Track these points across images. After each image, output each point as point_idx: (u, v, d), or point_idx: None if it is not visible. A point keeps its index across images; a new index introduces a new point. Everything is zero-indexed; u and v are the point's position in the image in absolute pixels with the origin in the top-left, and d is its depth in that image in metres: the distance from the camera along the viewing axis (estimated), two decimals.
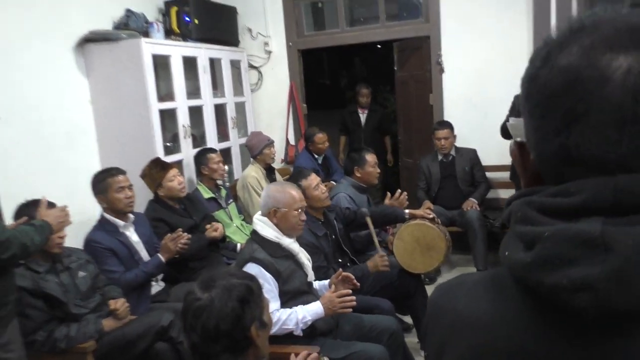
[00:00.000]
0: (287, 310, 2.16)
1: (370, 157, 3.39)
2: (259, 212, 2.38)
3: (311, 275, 2.37)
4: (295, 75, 5.11)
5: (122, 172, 2.86)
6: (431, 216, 2.93)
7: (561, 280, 0.49)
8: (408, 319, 3.19)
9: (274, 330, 2.10)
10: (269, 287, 2.15)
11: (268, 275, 2.15)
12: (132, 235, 2.86)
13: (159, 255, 2.77)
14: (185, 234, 2.85)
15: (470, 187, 4.34)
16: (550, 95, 0.54)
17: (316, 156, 4.59)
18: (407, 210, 3.03)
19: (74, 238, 3.14)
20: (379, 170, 3.48)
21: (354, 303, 2.19)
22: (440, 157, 4.39)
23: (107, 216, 2.80)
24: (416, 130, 5.19)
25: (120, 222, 2.80)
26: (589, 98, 0.51)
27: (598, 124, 0.51)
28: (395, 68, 5.48)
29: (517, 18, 4.37)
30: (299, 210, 2.32)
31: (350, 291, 2.19)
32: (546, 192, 0.55)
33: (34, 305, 2.22)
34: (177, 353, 2.37)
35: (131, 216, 2.88)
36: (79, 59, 3.58)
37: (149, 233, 2.96)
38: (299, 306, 2.19)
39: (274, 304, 2.14)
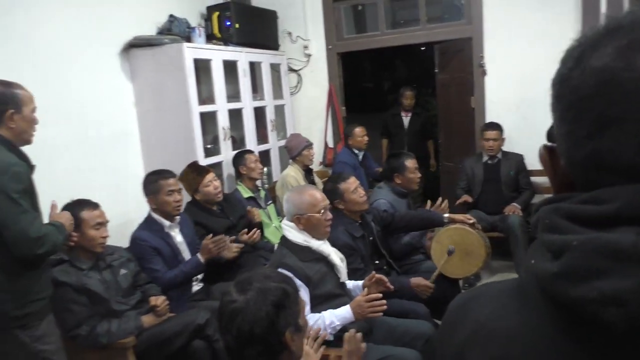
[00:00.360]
0: (315, 316, 2.15)
1: (410, 163, 3.32)
2: (286, 218, 2.38)
3: (344, 277, 2.35)
4: (335, 78, 5.11)
5: (173, 176, 2.93)
6: (471, 221, 2.86)
7: (590, 293, 0.47)
8: None
9: None
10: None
11: (298, 281, 2.14)
12: (177, 236, 2.92)
13: (198, 255, 2.82)
14: (225, 239, 2.89)
15: (514, 193, 4.22)
16: (582, 97, 0.52)
17: (356, 152, 4.59)
18: (446, 215, 2.98)
19: (116, 236, 3.25)
20: (419, 176, 3.40)
21: (384, 307, 2.14)
22: (485, 159, 4.29)
23: (155, 216, 2.86)
24: (457, 133, 5.10)
25: (166, 223, 2.86)
26: (625, 101, 0.49)
27: (634, 128, 0.48)
28: (437, 70, 5.40)
29: (564, 19, 4.24)
30: (322, 211, 2.29)
31: (381, 295, 2.15)
32: (576, 199, 0.52)
33: (77, 301, 2.30)
34: (213, 351, 2.40)
35: (177, 217, 2.94)
36: (124, 63, 3.70)
37: (192, 234, 3.02)
38: (328, 311, 2.16)
39: None
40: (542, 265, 0.52)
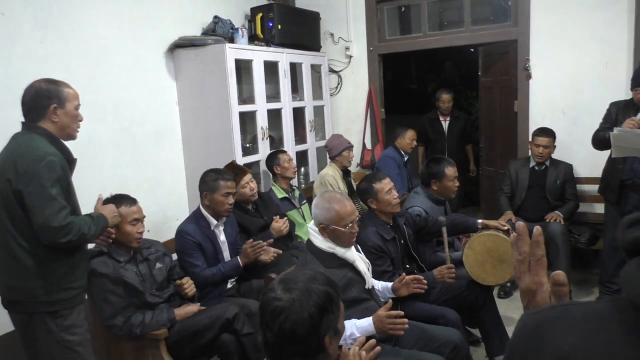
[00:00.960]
0: None
1: (450, 171, 3.23)
2: (312, 222, 2.35)
3: (369, 283, 2.32)
4: (375, 80, 5.10)
5: (232, 179, 2.98)
6: (506, 228, 2.80)
7: None
8: (477, 332, 3.08)
9: None
10: None
11: None
12: (221, 235, 2.98)
13: (238, 258, 2.88)
14: (272, 249, 2.94)
15: (558, 202, 4.08)
16: None
17: (403, 153, 4.58)
18: (480, 220, 2.92)
19: (155, 231, 3.36)
20: (457, 184, 3.31)
21: (406, 327, 2.06)
22: (532, 164, 4.17)
23: (204, 212, 2.93)
24: (499, 137, 4.99)
25: (213, 221, 2.93)
26: None
27: None
28: (480, 73, 5.30)
29: (615, 22, 4.08)
30: (349, 225, 2.21)
31: (402, 313, 2.08)
32: None
33: (114, 292, 2.39)
34: (240, 345, 2.45)
35: (224, 217, 3.00)
36: (169, 62, 3.82)
37: (235, 234, 3.07)
38: (352, 320, 2.12)
39: None
40: (636, 283, 0.49)
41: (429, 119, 5.48)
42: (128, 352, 2.50)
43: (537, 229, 0.90)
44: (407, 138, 4.63)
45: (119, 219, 2.35)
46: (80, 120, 2.21)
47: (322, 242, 2.23)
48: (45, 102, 2.07)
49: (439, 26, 5.11)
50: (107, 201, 2.51)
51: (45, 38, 2.95)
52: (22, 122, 2.13)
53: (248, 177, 3.30)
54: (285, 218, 3.37)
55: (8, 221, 2.02)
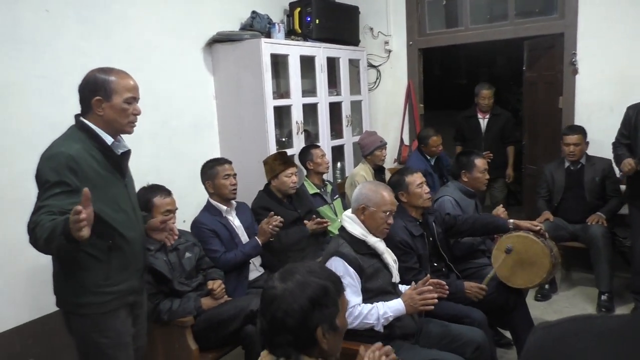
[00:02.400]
0: (368, 306, 2.17)
1: (480, 162, 3.25)
2: (349, 210, 2.41)
3: (396, 276, 2.34)
4: (414, 75, 5.03)
5: (229, 162, 3.09)
6: (537, 228, 2.71)
7: None
8: (508, 334, 3.00)
9: (354, 324, 2.12)
10: (352, 281, 2.18)
11: (351, 269, 2.18)
12: (234, 220, 3.08)
13: (256, 237, 2.96)
14: (278, 216, 2.97)
15: (599, 201, 3.91)
16: None
17: (428, 158, 4.48)
18: (511, 220, 2.84)
19: (190, 221, 3.44)
20: (487, 177, 3.30)
21: (436, 301, 2.13)
22: (567, 165, 4.01)
23: (213, 201, 3.04)
24: (542, 135, 4.83)
25: (223, 207, 3.02)
26: None
27: None
28: (524, 68, 5.13)
29: None
30: (388, 212, 2.31)
31: (432, 288, 2.14)
32: None
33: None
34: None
35: (234, 203, 3.09)
36: (207, 57, 3.90)
37: (250, 220, 3.16)
38: (380, 302, 2.18)
39: (355, 299, 2.16)
40: None
41: (465, 117, 5.05)
42: (156, 338, 2.59)
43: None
44: (431, 145, 4.40)
45: (80, 234, 1.61)
46: (135, 114, 2.03)
47: (355, 228, 2.30)
48: (90, 94, 1.95)
49: (482, 19, 4.97)
50: (142, 190, 2.58)
51: (89, 34, 3.07)
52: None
53: (294, 169, 3.37)
54: (325, 225, 3.37)
55: None
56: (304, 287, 1.33)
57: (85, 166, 1.88)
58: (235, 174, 3.06)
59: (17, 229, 2.72)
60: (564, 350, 0.55)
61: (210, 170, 3.02)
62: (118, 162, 2.03)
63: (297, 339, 1.31)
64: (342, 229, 2.38)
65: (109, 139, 2.00)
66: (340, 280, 1.45)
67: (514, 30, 4.66)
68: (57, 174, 1.81)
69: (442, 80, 8.24)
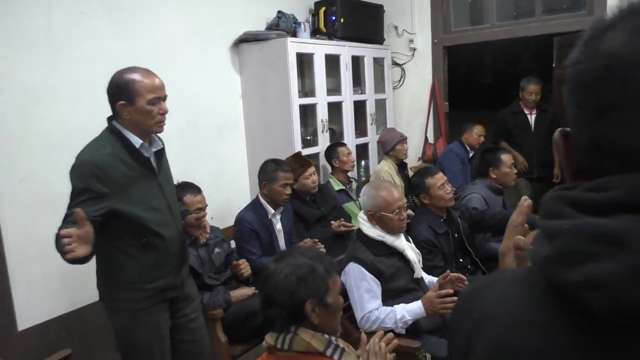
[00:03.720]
0: (386, 309, 2.18)
1: (506, 157, 3.26)
2: (362, 212, 2.41)
3: (418, 272, 2.34)
4: (439, 73, 5.02)
5: (290, 170, 3.09)
6: None
7: (575, 277, 0.47)
8: None
9: (373, 328, 2.14)
10: (368, 285, 2.19)
11: (368, 274, 2.19)
12: (277, 224, 3.09)
13: None
14: (321, 245, 2.96)
15: None
16: (587, 81, 0.51)
17: (468, 149, 4.47)
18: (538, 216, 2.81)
19: (217, 217, 3.50)
20: (515, 171, 3.31)
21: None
22: None
23: (262, 201, 3.05)
24: None
25: (271, 210, 3.04)
26: (626, 85, 0.47)
27: (634, 114, 0.47)
28: (554, 65, 5.06)
29: None
30: (396, 210, 2.28)
31: (452, 291, 2.12)
32: (583, 187, 0.51)
33: None
34: None
35: (281, 207, 3.11)
36: (234, 57, 3.97)
37: (290, 224, 3.18)
38: (400, 305, 2.18)
39: (373, 303, 2.18)
40: (538, 250, 0.53)
41: (511, 112, 4.69)
42: None
43: (524, 198, 0.95)
44: (475, 133, 4.46)
45: (73, 254, 1.69)
46: (162, 114, 2.03)
47: (371, 230, 2.29)
48: (114, 98, 1.98)
49: (509, 16, 4.93)
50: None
51: (120, 35, 3.16)
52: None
53: (312, 169, 3.39)
54: (352, 226, 3.39)
55: None
56: (293, 266, 1.46)
57: (111, 171, 1.90)
58: (292, 183, 3.08)
59: (52, 225, 2.82)
60: (477, 295, 0.63)
61: (273, 173, 3.02)
62: (148, 162, 2.05)
63: (289, 313, 1.43)
64: (359, 231, 2.37)
65: (137, 142, 2.00)
66: (333, 264, 1.55)
67: (540, 27, 4.61)
68: (83, 181, 1.86)
69: (467, 79, 8.17)
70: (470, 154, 4.53)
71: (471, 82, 8.22)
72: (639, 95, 0.47)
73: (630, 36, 0.48)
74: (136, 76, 1.98)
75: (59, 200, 2.82)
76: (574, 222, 0.48)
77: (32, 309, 2.74)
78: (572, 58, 0.54)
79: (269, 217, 3.03)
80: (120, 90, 1.96)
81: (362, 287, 2.19)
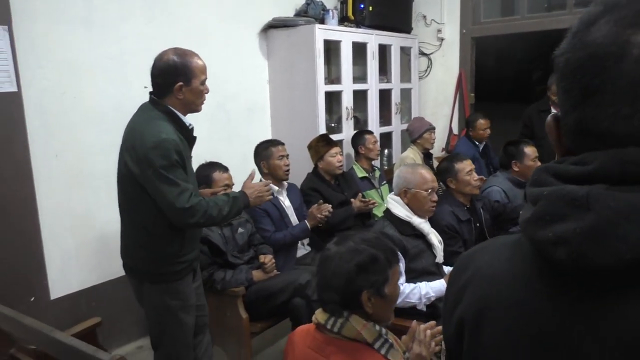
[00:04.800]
0: (411, 285, 2.24)
1: (530, 150, 3.22)
2: (392, 192, 2.47)
3: (440, 257, 2.40)
4: (466, 63, 4.99)
5: (282, 143, 3.19)
6: None
7: (547, 234, 0.54)
8: None
9: (397, 302, 2.18)
10: None
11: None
12: (285, 200, 3.19)
13: (305, 221, 3.05)
14: (328, 205, 3.07)
15: None
16: (572, 69, 0.57)
17: (477, 143, 4.46)
18: None
19: None
20: (539, 164, 3.25)
21: None
22: None
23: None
24: None
25: (275, 188, 3.11)
26: (605, 73, 0.53)
27: (612, 98, 0.53)
28: None
29: None
30: (429, 190, 2.37)
31: None
32: (568, 162, 0.58)
33: (201, 250, 2.62)
34: (310, 309, 2.59)
35: (285, 184, 3.21)
36: (262, 42, 4.02)
37: (299, 201, 3.27)
38: (423, 282, 2.25)
39: None
40: (523, 214, 0.60)
41: (537, 110, 4.36)
42: (210, 305, 2.73)
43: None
44: (479, 128, 4.38)
45: (264, 200, 2.30)
46: (207, 93, 2.16)
47: (400, 210, 2.37)
48: (171, 79, 2.03)
49: (540, 8, 4.87)
50: (201, 167, 2.74)
51: (153, 18, 3.24)
52: (150, 93, 2.13)
53: (337, 149, 3.46)
54: (373, 200, 3.44)
55: (123, 196, 2.13)
56: (354, 253, 1.43)
57: (181, 150, 2.02)
58: (288, 155, 3.16)
59: (85, 200, 2.96)
60: (474, 256, 0.71)
61: (265, 151, 3.13)
62: (192, 142, 2.18)
63: (343, 299, 1.41)
64: (387, 211, 2.45)
65: (187, 122, 2.12)
66: (395, 252, 1.52)
67: (572, 19, 4.46)
68: (167, 158, 1.96)
69: (495, 72, 8.07)
70: (481, 147, 4.47)
71: (498, 75, 8.13)
72: (615, 82, 0.52)
73: (612, 28, 0.53)
74: (189, 57, 2.08)
75: (92, 176, 2.97)
76: (552, 189, 0.55)
77: (64, 279, 2.88)
78: (561, 48, 0.60)
79: (275, 194, 3.11)
80: (179, 71, 2.04)
81: None
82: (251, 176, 2.37)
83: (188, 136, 2.13)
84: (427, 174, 2.42)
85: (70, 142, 2.88)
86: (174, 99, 2.06)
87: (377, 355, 1.38)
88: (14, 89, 2.56)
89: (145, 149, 1.96)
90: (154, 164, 1.95)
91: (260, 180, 2.76)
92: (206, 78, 2.13)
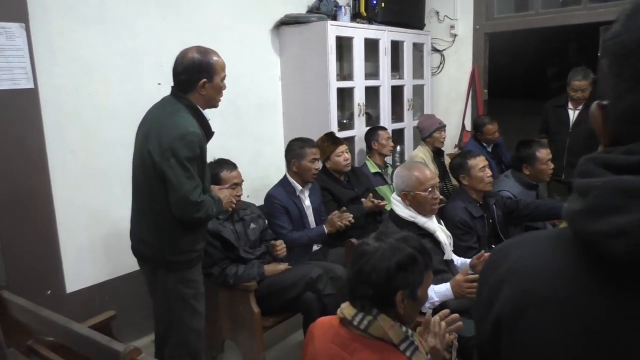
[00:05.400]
0: None
1: (542, 153, 3.08)
2: (395, 193, 2.45)
3: (448, 254, 2.38)
4: (479, 59, 4.96)
5: (316, 145, 3.18)
6: None
7: (603, 227, 0.52)
8: None
9: None
10: None
11: None
12: (305, 200, 3.18)
13: (323, 226, 3.05)
14: (350, 215, 3.04)
15: None
16: (626, 52, 0.55)
17: (484, 144, 4.44)
18: None
19: (254, 195, 3.61)
20: (552, 167, 3.13)
21: None
22: None
23: (290, 178, 3.15)
24: None
25: (298, 186, 3.13)
26: None
27: None
28: (599, 54, 4.92)
29: None
30: (429, 189, 2.31)
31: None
32: (618, 151, 0.56)
33: (213, 245, 2.65)
34: (321, 304, 2.61)
35: (309, 183, 3.19)
36: (274, 39, 4.04)
37: (319, 201, 3.26)
38: (430, 286, 2.21)
39: None
40: (571, 206, 0.58)
41: (554, 106, 4.29)
42: (223, 300, 2.77)
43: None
44: (487, 133, 4.40)
45: (231, 206, 2.47)
46: (224, 89, 2.27)
47: (403, 211, 2.34)
48: (195, 76, 2.13)
49: (555, 3, 4.82)
50: (210, 165, 2.75)
51: (166, 16, 3.27)
52: (172, 87, 2.22)
53: (343, 147, 3.46)
54: (383, 202, 3.43)
55: (144, 186, 2.18)
56: (395, 250, 1.43)
57: (203, 144, 2.16)
58: (319, 158, 3.16)
59: (101, 195, 2.99)
60: (509, 250, 0.68)
61: (300, 150, 3.11)
62: (210, 136, 2.28)
63: (377, 296, 1.41)
64: (392, 212, 2.42)
65: (207, 117, 2.23)
66: (430, 255, 1.52)
67: (587, 15, 4.49)
68: (191, 150, 2.07)
69: (509, 68, 8.01)
70: (489, 147, 4.45)
71: (511, 71, 8.06)
72: None
73: None
74: (211, 55, 2.19)
75: (106, 172, 3.00)
76: (606, 179, 0.53)
77: (79, 273, 2.92)
78: (613, 32, 0.58)
79: (297, 193, 3.13)
80: (203, 68, 2.15)
81: None
82: (214, 189, 2.42)
83: (207, 131, 2.22)
84: (423, 174, 2.34)
85: (85, 138, 2.92)
86: (197, 95, 2.17)
87: (403, 356, 1.38)
88: (31, 85, 2.60)
89: (170, 139, 2.05)
90: (178, 154, 2.04)
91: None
92: (225, 75, 2.24)
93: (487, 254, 2.23)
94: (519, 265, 0.64)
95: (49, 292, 2.75)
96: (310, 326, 1.56)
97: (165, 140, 2.06)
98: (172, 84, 2.24)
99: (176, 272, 2.23)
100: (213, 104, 2.25)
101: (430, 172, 2.39)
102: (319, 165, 3.14)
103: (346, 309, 1.45)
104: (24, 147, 2.61)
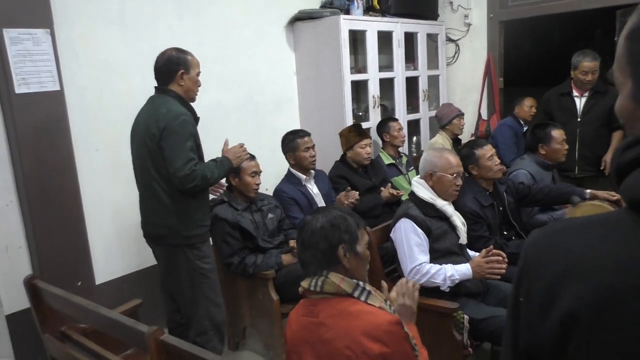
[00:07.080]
0: (437, 266, 2.28)
1: (557, 133, 3.19)
2: (418, 176, 2.53)
3: (463, 239, 2.44)
4: (494, 48, 4.96)
5: (308, 134, 3.29)
6: (615, 198, 2.68)
7: None
8: None
9: (422, 281, 2.24)
10: (419, 240, 2.32)
11: (419, 229, 2.31)
12: (313, 188, 3.30)
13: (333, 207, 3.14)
14: (356, 192, 3.17)
15: None
16: None
17: (522, 122, 4.46)
18: (588, 190, 2.82)
19: (270, 190, 3.70)
20: (567, 147, 3.21)
21: (503, 271, 2.21)
22: None
23: (293, 171, 3.27)
24: None
25: (302, 176, 3.24)
26: None
27: None
28: (616, 39, 4.85)
29: None
30: (454, 174, 2.42)
31: (501, 257, 2.22)
32: None
33: (232, 235, 2.76)
34: None
35: (312, 172, 3.31)
36: (289, 35, 4.12)
37: (327, 188, 3.37)
38: (449, 264, 2.29)
39: (423, 257, 2.31)
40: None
41: (557, 94, 4.04)
42: (243, 289, 2.89)
43: None
44: (525, 106, 4.46)
45: (243, 159, 2.70)
46: (199, 86, 2.54)
47: (424, 192, 2.44)
48: (174, 67, 2.43)
49: None
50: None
51: (184, 15, 3.38)
52: (155, 87, 2.50)
53: (368, 140, 3.54)
54: (401, 192, 3.50)
55: (153, 170, 2.41)
56: (327, 214, 1.62)
57: (194, 125, 2.45)
58: (314, 145, 3.26)
59: (124, 190, 3.13)
60: (553, 241, 0.65)
61: (292, 143, 3.24)
62: (197, 121, 2.53)
63: (321, 255, 1.56)
64: (412, 193, 2.51)
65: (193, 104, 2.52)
66: (361, 220, 1.68)
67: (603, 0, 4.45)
68: (185, 127, 2.35)
69: (525, 56, 7.92)
70: (524, 128, 4.47)
71: (528, 58, 7.97)
72: None
73: None
74: (186, 53, 2.50)
75: (130, 168, 3.12)
76: None
77: (107, 265, 3.07)
78: (631, 29, 0.59)
79: (303, 182, 3.24)
80: (180, 61, 2.46)
81: (412, 240, 2.32)
82: (226, 144, 2.68)
83: (194, 116, 2.49)
84: (453, 158, 2.47)
85: (110, 137, 3.05)
86: (177, 86, 2.45)
87: (358, 302, 1.51)
88: (57, 87, 2.74)
89: (168, 120, 2.32)
90: (176, 133, 2.31)
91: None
92: (200, 72, 2.52)
93: (495, 251, 2.27)
94: (582, 259, 0.59)
95: (79, 283, 2.90)
96: (288, 316, 1.68)
97: (163, 122, 2.32)
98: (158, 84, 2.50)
99: (193, 248, 2.46)
100: (191, 96, 2.51)
101: (457, 160, 2.50)
102: (313, 152, 3.25)
103: (303, 282, 1.59)
104: (53, 146, 2.75)
